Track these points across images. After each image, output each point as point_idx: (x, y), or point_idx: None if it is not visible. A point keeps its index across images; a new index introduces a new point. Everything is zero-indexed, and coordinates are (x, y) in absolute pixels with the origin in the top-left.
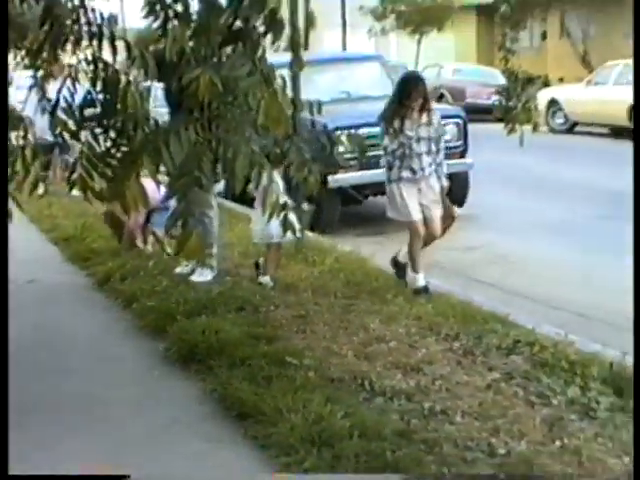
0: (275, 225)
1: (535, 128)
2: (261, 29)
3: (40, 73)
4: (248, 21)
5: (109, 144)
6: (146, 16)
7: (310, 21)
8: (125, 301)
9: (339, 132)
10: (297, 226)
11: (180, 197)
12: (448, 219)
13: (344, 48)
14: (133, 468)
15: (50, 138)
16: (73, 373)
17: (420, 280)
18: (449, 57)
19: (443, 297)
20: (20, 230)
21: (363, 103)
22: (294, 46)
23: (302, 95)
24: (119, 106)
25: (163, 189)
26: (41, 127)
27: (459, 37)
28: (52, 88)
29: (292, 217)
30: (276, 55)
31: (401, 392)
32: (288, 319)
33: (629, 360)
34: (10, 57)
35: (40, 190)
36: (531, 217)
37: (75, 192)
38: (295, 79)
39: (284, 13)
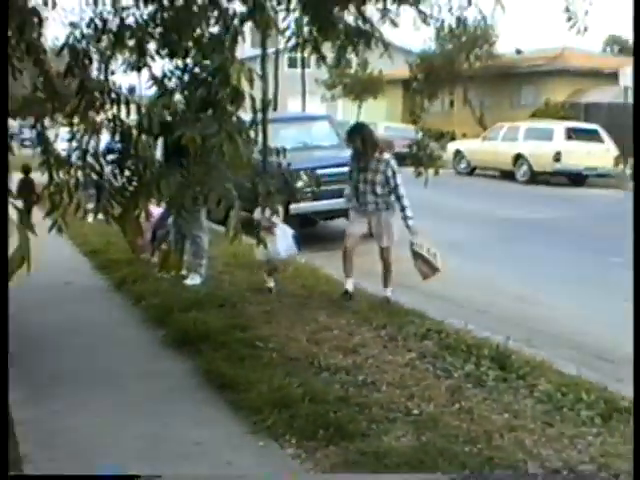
0: (281, 245)
1: (437, 172)
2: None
3: (76, 129)
4: (217, 93)
5: (125, 180)
6: (150, 87)
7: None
8: (135, 299)
9: (299, 172)
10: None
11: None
12: (434, 271)
13: (303, 109)
14: (142, 422)
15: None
16: (95, 352)
17: (348, 284)
18: (382, 117)
19: (374, 297)
20: (59, 244)
21: (316, 151)
22: (263, 107)
23: (271, 143)
24: (132, 152)
25: None
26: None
27: (389, 102)
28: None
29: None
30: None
31: (342, 368)
32: (258, 313)
33: (511, 344)
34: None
35: (90, 219)
36: (440, 237)
37: (100, 216)
38: (264, 132)
39: (258, 82)
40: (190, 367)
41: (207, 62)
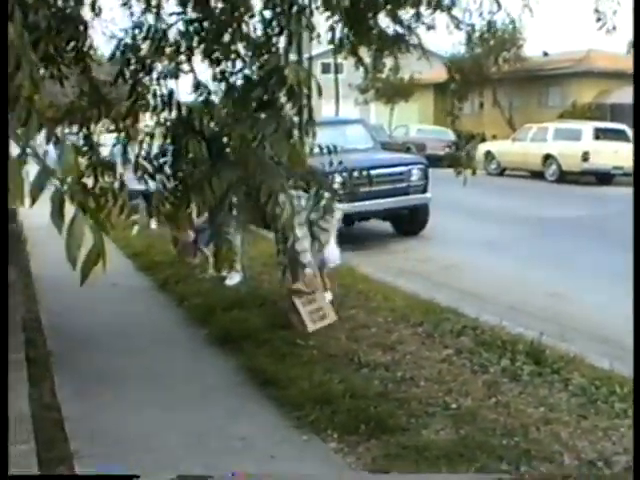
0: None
1: (474, 172)
2: (283, 99)
3: (122, 135)
4: (274, 93)
5: (177, 182)
6: (192, 92)
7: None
8: (178, 299)
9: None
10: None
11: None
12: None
13: (337, 114)
14: (187, 418)
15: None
16: (140, 352)
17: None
18: (414, 120)
19: (410, 295)
20: (108, 250)
21: (351, 154)
22: (309, 111)
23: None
24: (183, 153)
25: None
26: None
27: (421, 105)
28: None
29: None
30: None
31: (381, 364)
32: None
33: (545, 339)
34: (100, 125)
35: (134, 230)
36: (473, 236)
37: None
38: (301, 134)
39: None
40: (233, 364)
41: (260, 64)
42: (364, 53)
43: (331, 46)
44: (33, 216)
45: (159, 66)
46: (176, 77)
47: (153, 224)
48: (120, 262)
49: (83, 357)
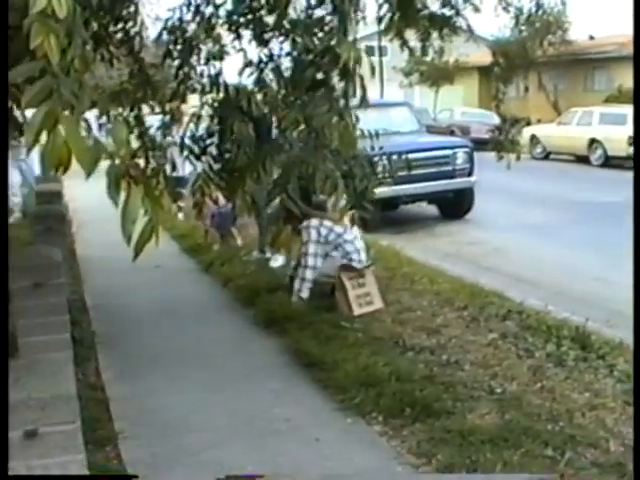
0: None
1: (518, 157)
2: (336, 79)
3: (167, 118)
4: (327, 73)
5: (222, 164)
6: (240, 73)
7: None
8: (223, 281)
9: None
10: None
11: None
12: None
13: (381, 97)
14: (232, 399)
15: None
16: (185, 333)
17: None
18: (458, 103)
19: (455, 278)
20: None
21: (396, 136)
22: (363, 91)
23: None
24: (229, 134)
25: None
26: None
27: (465, 88)
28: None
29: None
30: None
31: (426, 348)
32: None
33: (590, 324)
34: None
35: (180, 216)
36: (518, 220)
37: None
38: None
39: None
40: (278, 346)
41: (311, 44)
42: (410, 36)
43: (375, 29)
44: (78, 199)
45: (205, 48)
46: (221, 58)
47: (180, 215)
48: (166, 244)
49: (127, 337)
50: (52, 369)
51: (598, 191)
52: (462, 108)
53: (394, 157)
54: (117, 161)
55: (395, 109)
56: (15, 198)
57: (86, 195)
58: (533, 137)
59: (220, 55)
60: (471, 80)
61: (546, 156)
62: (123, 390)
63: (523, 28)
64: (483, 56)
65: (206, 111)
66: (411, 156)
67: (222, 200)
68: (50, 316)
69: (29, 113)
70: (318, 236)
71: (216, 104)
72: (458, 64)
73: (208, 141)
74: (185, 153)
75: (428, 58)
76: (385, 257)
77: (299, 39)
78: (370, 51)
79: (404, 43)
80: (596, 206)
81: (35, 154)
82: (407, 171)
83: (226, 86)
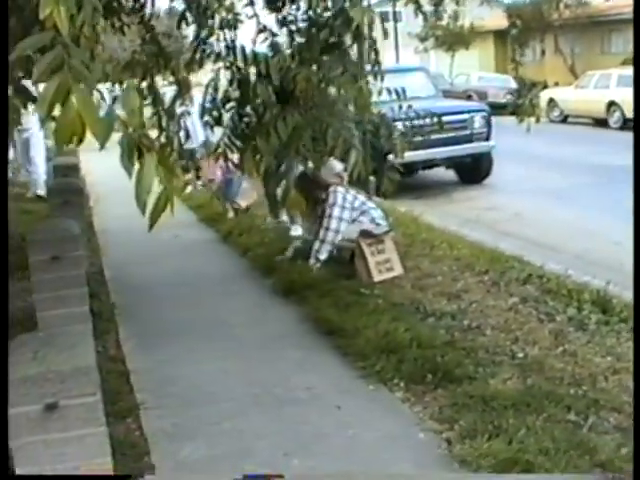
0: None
1: (538, 119)
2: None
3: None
4: (340, 35)
5: (243, 126)
6: (254, 41)
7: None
8: (242, 250)
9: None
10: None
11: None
12: None
13: (397, 62)
14: (252, 368)
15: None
16: (204, 303)
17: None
18: (474, 68)
19: (475, 243)
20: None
21: (412, 102)
22: (376, 53)
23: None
24: (249, 98)
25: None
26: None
27: (481, 53)
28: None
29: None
30: None
31: (447, 313)
32: None
33: (611, 288)
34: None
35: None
36: (537, 184)
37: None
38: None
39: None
40: (298, 314)
41: (324, 7)
42: (424, 1)
43: None
44: (95, 172)
45: (218, 17)
46: (235, 27)
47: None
48: (183, 214)
49: (147, 309)
50: (71, 342)
51: (617, 154)
52: (478, 73)
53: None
54: (130, 130)
55: (412, 74)
56: (35, 175)
57: (102, 168)
58: (551, 100)
59: (234, 24)
60: (487, 44)
61: (564, 119)
62: (143, 361)
63: None
64: (498, 20)
65: (224, 76)
66: (429, 120)
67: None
68: (68, 289)
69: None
70: (344, 201)
71: (235, 68)
72: (473, 28)
73: (227, 106)
74: (206, 118)
75: (443, 22)
76: (404, 223)
77: (312, 2)
78: (385, 17)
79: (418, 7)
80: (615, 169)
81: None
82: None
83: (243, 50)
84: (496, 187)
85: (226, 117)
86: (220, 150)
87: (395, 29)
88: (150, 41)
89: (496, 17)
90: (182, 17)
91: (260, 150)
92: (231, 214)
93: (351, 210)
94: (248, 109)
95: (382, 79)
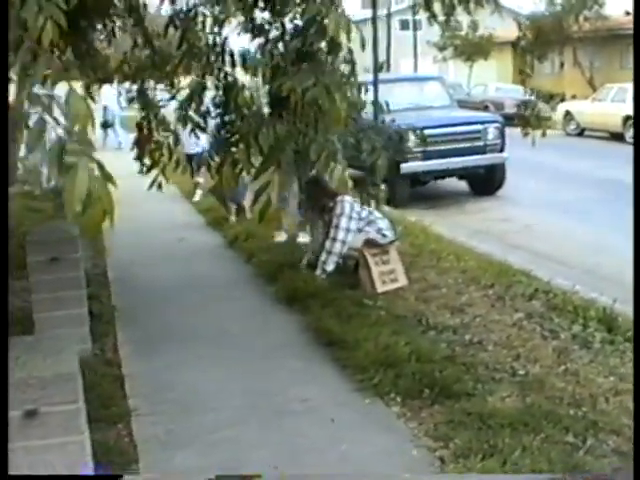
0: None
1: (544, 134)
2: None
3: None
4: (312, 45)
5: (227, 134)
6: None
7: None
8: (247, 256)
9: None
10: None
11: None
12: None
13: (415, 71)
14: (250, 377)
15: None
16: (206, 308)
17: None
18: (492, 78)
19: (483, 256)
20: (178, 204)
21: (427, 111)
22: (375, 68)
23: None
24: (233, 104)
25: None
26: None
27: (499, 63)
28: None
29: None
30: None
31: (449, 327)
32: None
33: (618, 306)
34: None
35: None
36: (549, 197)
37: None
38: (375, 91)
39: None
40: (299, 324)
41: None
42: (439, 10)
43: (409, 2)
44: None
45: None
46: (220, 26)
47: (197, 196)
48: (192, 217)
49: (148, 312)
50: (56, 347)
51: (631, 169)
52: (496, 83)
53: (430, 132)
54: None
55: (428, 83)
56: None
57: (111, 168)
58: (567, 113)
59: (222, 22)
60: (505, 55)
61: (580, 132)
62: (140, 366)
63: (559, 2)
64: (517, 31)
65: (211, 81)
66: (442, 131)
67: None
68: (66, 290)
69: None
70: (351, 211)
71: (222, 74)
72: (492, 39)
73: (213, 113)
74: (189, 126)
75: (462, 32)
76: (412, 233)
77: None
78: (405, 25)
79: (432, 16)
80: (629, 184)
81: None
82: (438, 146)
83: (232, 53)
84: (508, 199)
85: (211, 124)
86: (203, 161)
87: (414, 37)
88: (143, 42)
89: (515, 28)
90: (170, 22)
91: (239, 161)
92: (233, 218)
93: (358, 220)
94: (232, 117)
95: (366, 91)
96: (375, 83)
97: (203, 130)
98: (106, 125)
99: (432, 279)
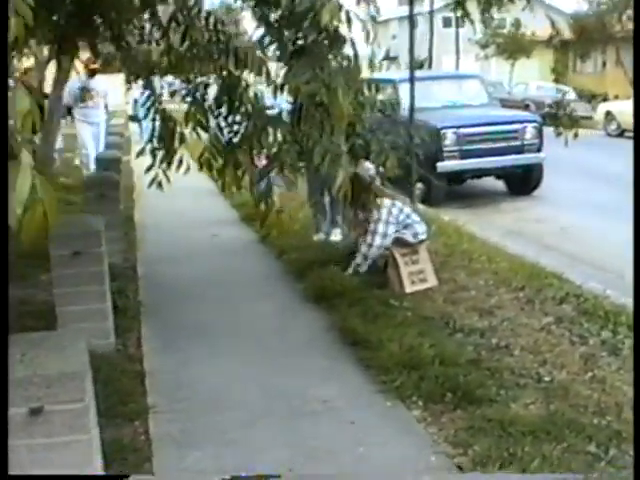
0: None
1: (576, 135)
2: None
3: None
4: (306, 38)
5: (231, 135)
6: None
7: (431, 47)
8: (278, 253)
9: (446, 130)
10: None
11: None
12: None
13: (457, 68)
14: (271, 376)
15: None
16: (233, 305)
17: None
18: (533, 77)
19: (516, 257)
20: (213, 199)
21: (465, 109)
22: (410, 66)
23: (422, 100)
24: (237, 104)
25: None
26: None
27: (541, 62)
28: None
29: None
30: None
31: (476, 330)
32: None
33: None
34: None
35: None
36: (586, 198)
37: None
38: (412, 88)
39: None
40: (325, 322)
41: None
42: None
43: (448, 0)
44: (143, 164)
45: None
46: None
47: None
48: (226, 212)
49: (174, 308)
50: (62, 344)
51: None
52: (537, 82)
53: (467, 130)
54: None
55: (467, 81)
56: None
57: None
58: (608, 113)
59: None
60: (547, 54)
61: (621, 133)
62: (162, 363)
63: (602, 1)
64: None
65: (215, 80)
66: (479, 129)
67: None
68: (88, 285)
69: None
70: (389, 215)
71: (225, 72)
72: (534, 37)
73: (217, 112)
74: (191, 124)
75: (505, 31)
76: (446, 233)
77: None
78: (447, 22)
79: (466, 15)
80: None
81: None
82: (476, 145)
83: (236, 51)
84: (545, 199)
85: (213, 123)
86: (204, 159)
87: (456, 35)
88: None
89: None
90: (172, 18)
91: (242, 163)
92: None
93: (396, 224)
94: (236, 117)
95: (377, 90)
96: (411, 80)
97: (205, 129)
98: (135, 118)
99: (462, 280)
